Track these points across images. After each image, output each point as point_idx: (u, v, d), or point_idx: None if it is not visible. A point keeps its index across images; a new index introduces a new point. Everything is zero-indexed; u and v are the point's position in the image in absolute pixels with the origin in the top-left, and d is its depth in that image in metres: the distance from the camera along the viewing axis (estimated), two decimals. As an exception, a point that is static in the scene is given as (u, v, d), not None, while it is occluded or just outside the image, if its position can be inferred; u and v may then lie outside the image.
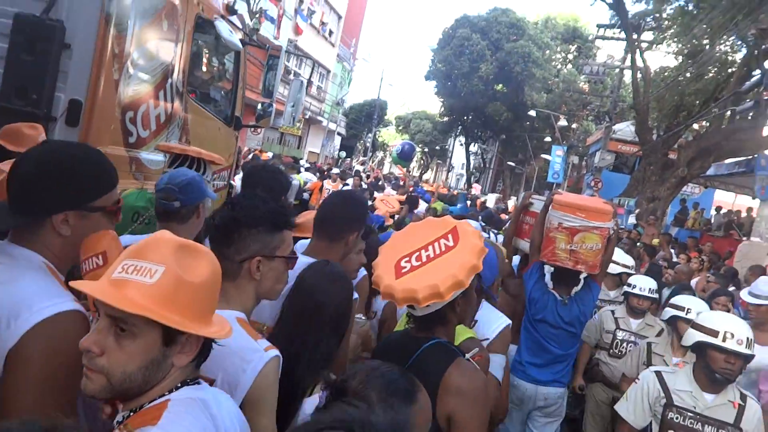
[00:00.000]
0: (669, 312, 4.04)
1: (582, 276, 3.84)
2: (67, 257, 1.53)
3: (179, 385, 1.26)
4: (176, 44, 4.43)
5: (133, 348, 1.18)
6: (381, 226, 6.19)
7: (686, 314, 3.86)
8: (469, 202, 15.84)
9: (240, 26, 5.68)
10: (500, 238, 8.29)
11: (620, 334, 4.74)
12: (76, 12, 3.54)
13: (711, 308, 5.14)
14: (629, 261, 5.78)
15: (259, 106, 5.97)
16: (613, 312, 4.88)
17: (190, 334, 1.23)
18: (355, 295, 2.24)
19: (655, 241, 12.04)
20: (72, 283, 1.26)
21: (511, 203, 23.02)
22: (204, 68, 5.51)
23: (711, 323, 2.96)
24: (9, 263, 1.43)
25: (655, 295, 4.85)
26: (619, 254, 5.56)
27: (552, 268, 3.84)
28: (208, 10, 4.88)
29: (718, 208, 19.47)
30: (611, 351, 4.73)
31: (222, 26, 4.94)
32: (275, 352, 1.59)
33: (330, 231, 2.36)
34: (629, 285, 4.83)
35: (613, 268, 5.31)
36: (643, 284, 4.77)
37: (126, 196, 3.04)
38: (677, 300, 4.11)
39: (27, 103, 3.35)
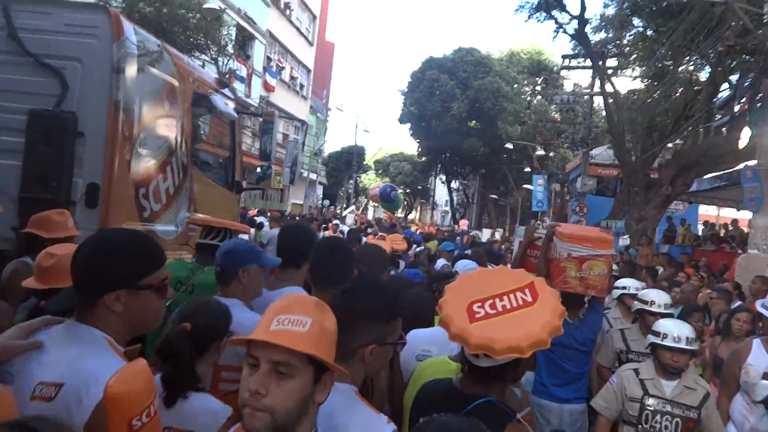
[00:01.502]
0: None
1: (586, 298, 4.11)
2: (123, 331, 1.69)
3: (316, 426, 1.49)
4: (177, 121, 4.68)
5: (292, 386, 1.37)
6: None
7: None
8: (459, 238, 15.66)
9: (232, 97, 5.82)
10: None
11: (651, 403, 3.51)
12: (86, 102, 3.83)
13: (731, 325, 5.10)
14: (638, 284, 5.32)
15: (258, 169, 6.12)
16: (636, 372, 3.66)
17: (329, 373, 1.45)
18: None
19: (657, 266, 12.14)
20: (234, 339, 1.51)
21: (498, 234, 23.08)
22: (203, 139, 5.63)
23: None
24: (75, 340, 1.61)
25: (695, 346, 3.63)
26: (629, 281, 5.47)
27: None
28: (202, 86, 5.21)
29: (705, 223, 19.78)
30: (640, 427, 3.52)
31: (217, 99, 5.16)
32: (394, 426, 1.72)
33: (330, 277, 2.51)
34: (656, 334, 3.58)
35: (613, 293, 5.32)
36: (678, 332, 3.49)
37: (168, 265, 3.17)
38: None
39: (47, 191, 3.64)
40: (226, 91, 5.61)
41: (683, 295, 7.26)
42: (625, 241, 16.89)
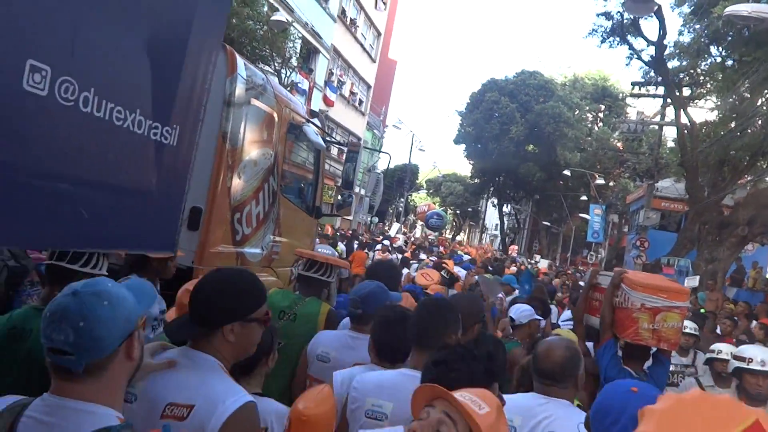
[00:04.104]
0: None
1: (651, 351, 3.84)
2: (231, 357, 1.91)
3: None
4: (273, 150, 4.81)
5: None
6: None
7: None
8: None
9: (320, 126, 5.83)
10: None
11: None
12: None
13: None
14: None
15: (339, 197, 6.16)
16: None
17: None
18: None
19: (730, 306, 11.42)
20: (436, 390, 1.71)
21: (544, 264, 22.14)
22: (291, 166, 5.69)
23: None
24: (195, 366, 1.82)
25: None
26: None
27: (623, 345, 3.84)
28: (296, 117, 5.34)
29: (779, 266, 18.73)
30: None
31: (309, 131, 5.27)
32: None
33: (431, 341, 2.44)
34: (741, 359, 4.03)
35: None
36: (763, 356, 3.94)
37: (271, 295, 3.28)
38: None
39: None
40: (316, 121, 5.64)
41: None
42: (692, 282, 16.08)
